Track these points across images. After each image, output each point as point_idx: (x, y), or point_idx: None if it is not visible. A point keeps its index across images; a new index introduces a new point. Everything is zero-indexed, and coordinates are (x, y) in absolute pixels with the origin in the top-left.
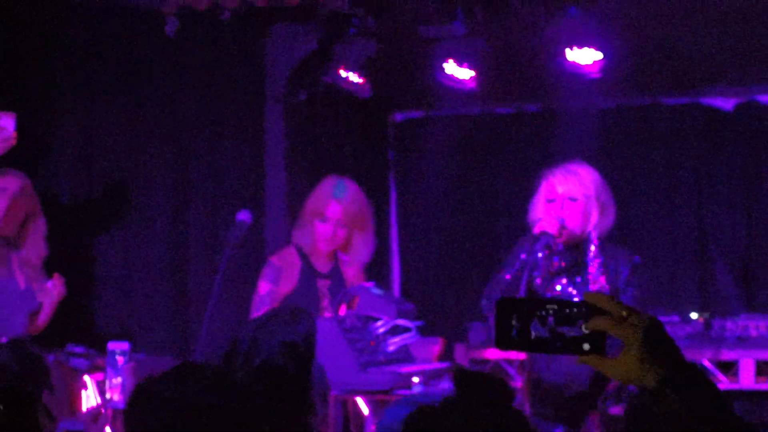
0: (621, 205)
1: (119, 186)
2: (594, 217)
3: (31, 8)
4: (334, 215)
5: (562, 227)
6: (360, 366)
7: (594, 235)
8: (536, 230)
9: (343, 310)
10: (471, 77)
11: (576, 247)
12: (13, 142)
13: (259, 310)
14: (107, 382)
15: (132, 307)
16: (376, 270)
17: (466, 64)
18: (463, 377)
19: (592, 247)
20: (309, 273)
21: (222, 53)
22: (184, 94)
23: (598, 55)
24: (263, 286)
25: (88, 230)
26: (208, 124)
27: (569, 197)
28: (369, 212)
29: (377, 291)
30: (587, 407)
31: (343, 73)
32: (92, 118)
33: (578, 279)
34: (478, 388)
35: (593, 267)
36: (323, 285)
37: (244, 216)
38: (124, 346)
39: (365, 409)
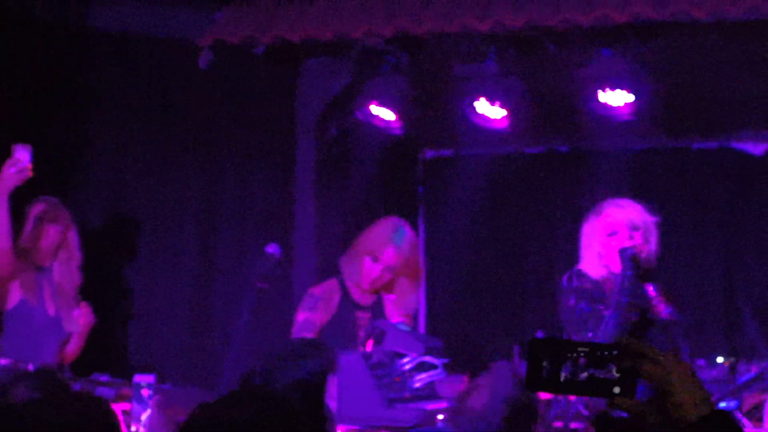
0: None
1: (148, 216)
2: (652, 245)
3: (66, 38)
4: (387, 260)
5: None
6: (385, 402)
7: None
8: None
9: (369, 346)
10: (502, 116)
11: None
12: (29, 174)
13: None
14: (132, 415)
15: (158, 337)
16: None
17: (497, 102)
18: (604, 424)
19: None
20: (348, 304)
21: (255, 87)
22: (216, 126)
23: (630, 98)
24: (300, 315)
25: (116, 260)
26: (239, 157)
27: (632, 227)
28: (421, 262)
29: (404, 327)
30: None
31: (375, 110)
32: (123, 149)
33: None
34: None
35: (653, 292)
36: (362, 317)
37: (272, 249)
38: (150, 378)
39: None
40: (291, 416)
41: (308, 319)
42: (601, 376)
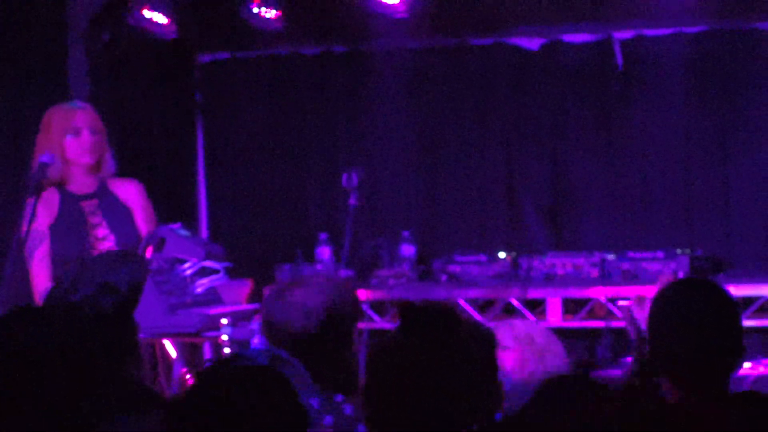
0: (431, 146)
1: None
2: None
3: None
4: (84, 123)
5: None
6: (167, 308)
7: None
8: None
9: (149, 253)
10: (276, 17)
11: None
12: None
13: (19, 249)
14: None
15: None
16: (184, 211)
17: (272, 3)
18: (409, 312)
19: None
20: (69, 198)
21: None
22: None
23: None
24: (23, 228)
25: None
26: (11, 67)
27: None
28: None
29: (184, 233)
30: None
31: (147, 14)
32: None
33: None
34: (425, 321)
35: None
36: (89, 205)
37: (46, 158)
38: None
39: (173, 352)
40: (100, 321)
41: (34, 228)
42: None
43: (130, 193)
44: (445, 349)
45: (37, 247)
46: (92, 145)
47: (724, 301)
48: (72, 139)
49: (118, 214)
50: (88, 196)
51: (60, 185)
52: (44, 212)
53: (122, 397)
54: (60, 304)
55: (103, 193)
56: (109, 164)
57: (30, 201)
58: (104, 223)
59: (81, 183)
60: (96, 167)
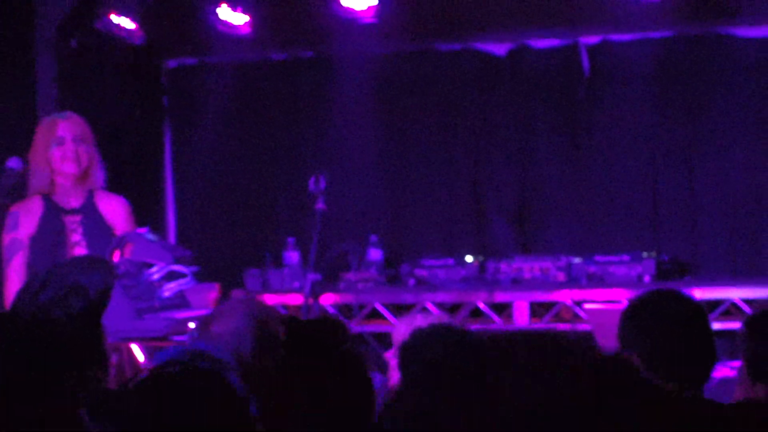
0: (398, 150)
1: None
2: None
3: None
4: (67, 132)
5: None
6: (135, 312)
7: None
8: None
9: (116, 257)
10: (245, 22)
11: None
12: None
13: (2, 259)
14: None
15: None
16: (151, 216)
17: (240, 8)
18: (295, 326)
19: None
20: (53, 211)
21: None
22: None
23: (373, 0)
24: (5, 237)
25: None
26: None
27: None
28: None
29: (152, 237)
30: None
31: (115, 19)
32: None
33: None
34: (311, 335)
35: None
36: (72, 220)
37: (14, 163)
38: None
39: (141, 356)
40: (68, 323)
41: (14, 238)
42: None
43: (115, 211)
44: (329, 364)
45: (14, 255)
46: (75, 153)
47: (693, 310)
48: (56, 149)
49: (98, 233)
50: (72, 211)
51: (46, 196)
52: (26, 222)
53: (88, 401)
54: (28, 305)
55: (88, 209)
56: (98, 176)
57: (12, 210)
58: (84, 242)
59: (67, 195)
60: (83, 177)
